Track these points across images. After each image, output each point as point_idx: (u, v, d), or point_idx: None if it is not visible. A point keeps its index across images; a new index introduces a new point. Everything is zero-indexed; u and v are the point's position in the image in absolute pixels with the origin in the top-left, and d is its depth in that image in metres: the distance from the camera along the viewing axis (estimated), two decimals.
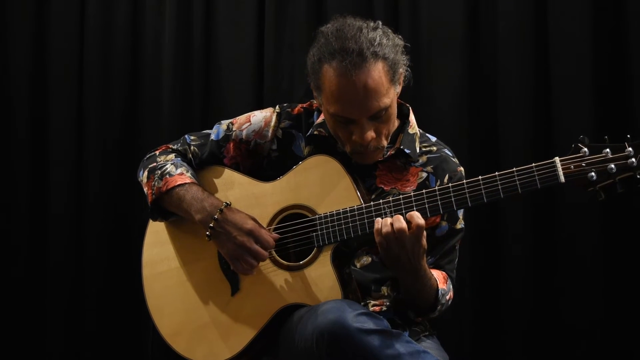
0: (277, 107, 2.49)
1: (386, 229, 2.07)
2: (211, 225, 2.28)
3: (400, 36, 2.30)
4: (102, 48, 3.91)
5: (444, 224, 2.39)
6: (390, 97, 2.19)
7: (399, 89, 2.27)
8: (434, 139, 2.48)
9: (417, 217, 2.07)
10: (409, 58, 2.30)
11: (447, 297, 2.35)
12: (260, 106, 3.47)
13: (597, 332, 3.21)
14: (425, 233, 2.10)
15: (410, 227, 2.06)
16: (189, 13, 3.82)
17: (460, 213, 2.41)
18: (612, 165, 1.94)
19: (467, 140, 3.38)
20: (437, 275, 2.32)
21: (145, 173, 2.46)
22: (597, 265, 3.22)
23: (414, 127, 2.43)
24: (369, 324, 1.95)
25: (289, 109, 2.48)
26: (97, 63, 3.90)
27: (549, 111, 3.33)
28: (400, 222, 2.07)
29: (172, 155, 2.48)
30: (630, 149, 1.94)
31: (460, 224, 2.42)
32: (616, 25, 3.26)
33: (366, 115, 2.17)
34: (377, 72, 2.14)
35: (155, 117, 3.84)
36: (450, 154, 2.45)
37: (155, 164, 2.46)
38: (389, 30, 2.26)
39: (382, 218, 2.11)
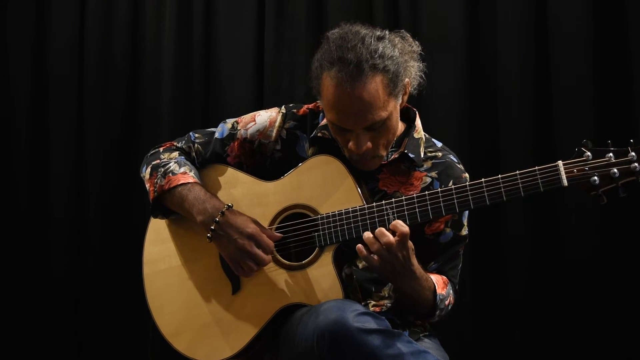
0: (283, 107, 2.49)
1: (375, 246, 2.08)
2: (212, 227, 2.28)
3: (417, 42, 2.31)
4: (102, 48, 3.92)
5: (448, 230, 2.38)
6: (387, 110, 2.17)
7: (403, 98, 2.27)
8: (439, 144, 2.47)
9: (401, 226, 2.07)
10: (425, 65, 2.32)
11: (447, 302, 2.34)
12: (260, 106, 3.48)
13: (597, 333, 3.22)
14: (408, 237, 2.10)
15: (396, 236, 2.07)
16: (189, 13, 3.83)
17: (465, 219, 2.41)
18: (615, 170, 1.95)
19: (467, 141, 3.39)
20: (437, 280, 2.31)
21: (148, 170, 2.46)
22: (597, 268, 3.22)
23: (419, 132, 2.42)
24: (370, 324, 1.96)
25: (295, 110, 2.47)
26: (97, 63, 3.91)
27: (549, 111, 3.33)
28: (385, 235, 2.07)
29: (175, 154, 2.48)
30: (633, 153, 1.95)
31: (464, 231, 2.41)
32: (616, 26, 3.27)
33: (361, 126, 2.17)
34: (374, 85, 2.13)
35: (155, 117, 3.85)
36: (456, 160, 2.44)
37: (158, 161, 2.46)
38: (406, 34, 2.28)
39: (386, 221, 2.13)
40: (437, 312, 2.30)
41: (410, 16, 3.51)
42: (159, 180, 2.40)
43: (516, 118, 3.36)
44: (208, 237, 2.29)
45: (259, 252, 2.24)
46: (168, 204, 2.42)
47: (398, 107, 2.25)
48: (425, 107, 3.32)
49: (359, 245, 2.12)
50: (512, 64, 3.39)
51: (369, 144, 2.19)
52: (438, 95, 3.41)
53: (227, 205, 2.31)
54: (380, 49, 2.15)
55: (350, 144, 2.20)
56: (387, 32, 2.24)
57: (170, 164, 2.42)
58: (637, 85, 3.19)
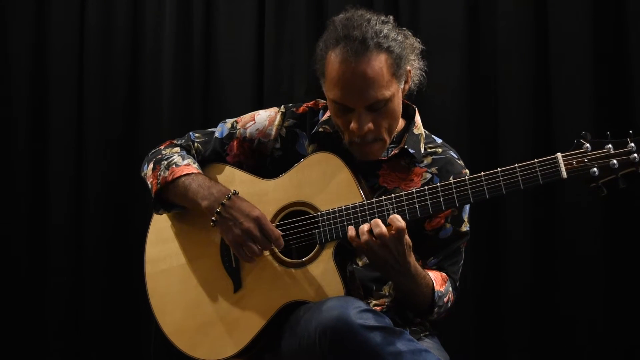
0: (283, 106, 2.50)
1: (364, 236, 2.08)
2: (218, 210, 2.27)
3: (419, 40, 2.33)
4: (102, 48, 3.92)
5: (448, 226, 2.38)
6: (390, 90, 2.18)
7: (405, 86, 2.28)
8: (439, 140, 2.48)
9: (398, 220, 2.07)
10: (426, 64, 2.34)
11: (445, 300, 2.33)
12: (260, 106, 3.48)
13: (598, 331, 3.21)
14: (405, 232, 2.09)
15: (391, 230, 2.07)
16: (189, 13, 3.84)
17: (466, 216, 2.41)
18: (615, 161, 1.95)
19: (467, 140, 3.39)
20: (435, 276, 2.31)
21: (151, 165, 2.47)
22: (598, 265, 3.21)
23: (419, 128, 2.43)
24: (372, 321, 1.96)
25: (294, 108, 2.49)
26: (97, 63, 3.92)
27: (549, 111, 3.32)
28: (379, 226, 2.07)
29: (177, 149, 2.51)
30: (632, 144, 1.94)
31: (465, 227, 2.41)
32: (616, 25, 3.27)
33: (363, 104, 2.17)
34: (379, 62, 2.15)
35: (155, 117, 3.85)
36: (456, 156, 2.45)
37: (161, 155, 2.48)
38: (408, 32, 2.29)
39: (386, 217, 2.11)
40: (436, 309, 2.30)
41: (411, 16, 3.52)
42: (162, 173, 2.41)
43: (516, 118, 3.36)
44: (212, 220, 2.29)
45: (262, 237, 2.23)
46: (171, 197, 2.42)
47: (400, 93, 2.26)
48: (426, 106, 3.33)
49: (351, 227, 2.13)
50: (512, 64, 3.39)
51: (371, 125, 2.19)
52: (438, 94, 3.41)
53: (234, 190, 2.31)
54: (385, 30, 2.18)
55: (352, 124, 2.20)
56: (391, 17, 2.26)
57: (174, 157, 2.44)
58: (637, 85, 3.19)
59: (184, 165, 2.40)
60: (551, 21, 3.35)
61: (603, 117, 3.24)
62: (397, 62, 2.18)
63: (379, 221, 2.08)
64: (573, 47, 3.31)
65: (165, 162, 2.42)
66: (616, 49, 3.27)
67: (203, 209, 2.32)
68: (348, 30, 2.16)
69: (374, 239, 2.08)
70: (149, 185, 2.47)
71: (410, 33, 2.31)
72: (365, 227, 2.10)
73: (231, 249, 2.31)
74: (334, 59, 2.18)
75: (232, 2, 3.79)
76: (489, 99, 3.44)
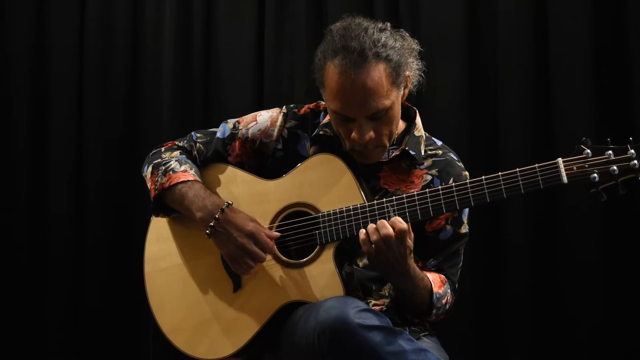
0: (284, 107, 2.50)
1: (375, 236, 2.09)
2: (212, 224, 2.28)
3: (416, 41, 2.32)
4: (102, 48, 3.91)
5: (448, 227, 2.39)
6: (390, 99, 2.19)
7: (404, 91, 2.28)
8: (439, 143, 2.49)
9: (400, 222, 2.08)
10: (424, 64, 2.33)
11: (444, 301, 2.34)
12: (260, 106, 3.49)
13: (598, 335, 3.21)
14: (411, 234, 2.11)
15: (394, 231, 2.08)
16: (189, 13, 3.83)
17: (465, 217, 2.42)
18: (615, 167, 1.96)
19: (467, 141, 3.39)
20: (434, 278, 2.32)
21: (150, 168, 2.47)
22: (598, 269, 3.22)
23: (420, 130, 2.44)
24: (371, 320, 1.96)
25: (296, 109, 2.49)
26: (97, 63, 3.91)
27: (549, 111, 3.33)
28: (386, 227, 2.08)
29: (177, 152, 2.50)
30: (632, 151, 1.96)
31: (464, 229, 2.42)
32: (616, 25, 3.27)
33: (364, 115, 2.18)
34: (378, 72, 2.15)
35: (155, 117, 3.84)
36: (456, 158, 2.45)
37: (159, 159, 2.47)
38: (405, 34, 2.29)
39: (387, 219, 2.12)
40: (434, 311, 2.31)
41: (411, 16, 3.52)
42: (159, 179, 2.41)
43: (516, 118, 3.36)
44: (207, 233, 2.29)
45: (258, 250, 2.24)
46: (168, 202, 2.42)
47: (400, 99, 2.27)
48: (426, 106, 3.33)
49: (362, 230, 2.13)
50: (512, 64, 3.39)
51: (372, 134, 2.20)
52: (438, 95, 3.42)
53: (227, 202, 2.31)
54: (383, 38, 2.17)
55: (354, 134, 2.21)
56: (388, 24, 2.26)
57: (171, 162, 2.43)
58: (637, 85, 3.19)
59: (181, 171, 2.40)
60: (551, 21, 3.35)
61: (603, 117, 3.24)
62: (396, 70, 2.19)
63: (385, 222, 2.10)
64: (573, 47, 3.31)
65: (163, 168, 2.42)
66: (616, 49, 3.27)
67: (197, 220, 2.32)
68: (346, 40, 2.16)
69: (381, 239, 2.08)
70: (148, 188, 2.48)
71: (407, 34, 2.32)
72: (372, 227, 2.11)
73: (228, 262, 2.32)
74: (333, 71, 2.18)
75: (232, 2, 3.78)
76: (489, 99, 3.44)
